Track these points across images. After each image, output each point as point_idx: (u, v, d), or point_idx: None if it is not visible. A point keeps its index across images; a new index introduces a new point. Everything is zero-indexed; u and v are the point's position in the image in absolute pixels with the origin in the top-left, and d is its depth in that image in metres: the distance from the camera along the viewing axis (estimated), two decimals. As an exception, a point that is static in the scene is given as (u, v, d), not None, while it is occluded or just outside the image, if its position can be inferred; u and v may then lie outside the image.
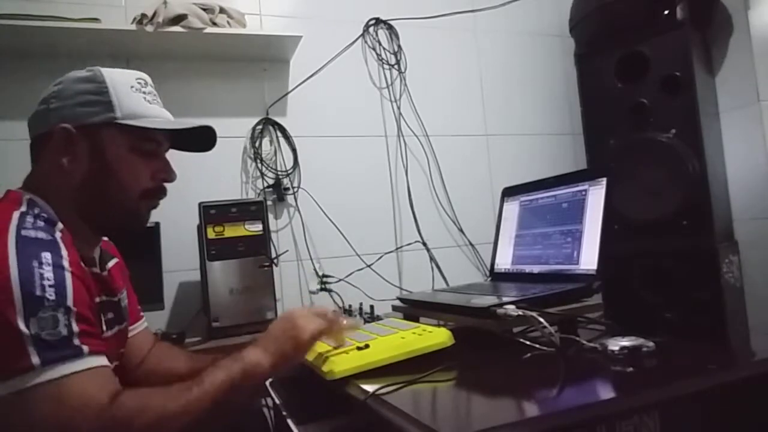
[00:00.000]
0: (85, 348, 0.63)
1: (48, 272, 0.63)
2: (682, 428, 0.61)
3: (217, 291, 1.43)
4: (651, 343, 0.73)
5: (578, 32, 1.77)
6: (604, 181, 1.03)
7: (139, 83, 0.82)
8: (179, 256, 1.58)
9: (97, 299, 0.79)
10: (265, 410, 1.15)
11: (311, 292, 1.74)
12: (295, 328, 0.78)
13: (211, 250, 1.44)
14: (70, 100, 0.78)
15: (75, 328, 0.63)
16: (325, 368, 0.78)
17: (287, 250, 1.74)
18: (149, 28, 1.49)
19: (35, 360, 0.59)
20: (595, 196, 1.04)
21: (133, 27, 1.49)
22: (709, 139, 1.52)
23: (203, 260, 1.44)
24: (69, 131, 0.76)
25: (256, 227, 1.49)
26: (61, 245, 0.68)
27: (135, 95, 0.80)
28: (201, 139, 0.90)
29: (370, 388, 0.69)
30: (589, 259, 1.00)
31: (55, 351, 0.60)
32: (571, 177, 1.12)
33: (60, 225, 0.72)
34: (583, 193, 1.07)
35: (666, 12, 1.54)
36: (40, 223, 0.69)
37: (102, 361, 0.65)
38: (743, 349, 0.92)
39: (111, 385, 0.64)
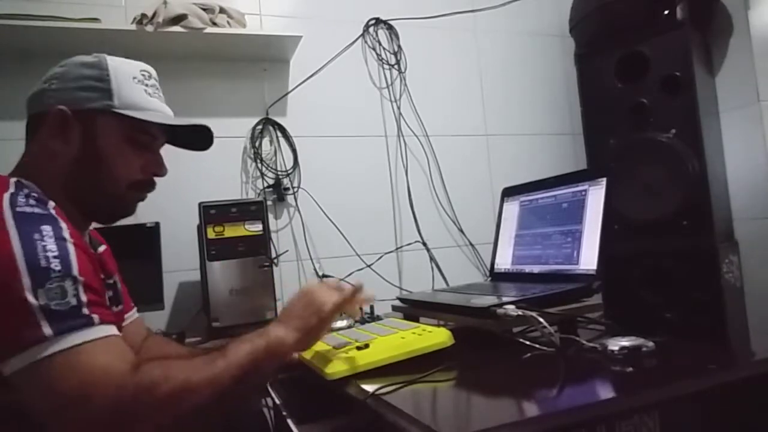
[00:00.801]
0: (96, 317, 0.62)
1: (51, 244, 0.63)
2: (682, 428, 0.61)
3: (217, 291, 1.43)
4: (651, 343, 0.73)
5: (578, 32, 1.77)
6: (604, 181, 1.03)
7: (143, 75, 0.82)
8: (179, 256, 1.58)
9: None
10: (265, 410, 1.15)
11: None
12: (315, 302, 0.78)
13: (211, 250, 1.44)
14: (71, 83, 0.78)
15: (83, 297, 0.62)
16: (325, 368, 0.78)
17: (287, 250, 1.74)
18: (149, 28, 1.49)
19: (47, 330, 0.58)
20: (595, 196, 1.04)
21: (133, 27, 1.49)
22: (709, 139, 1.52)
23: (203, 260, 1.44)
24: (64, 113, 0.76)
25: (256, 227, 1.49)
26: (59, 218, 0.68)
27: (136, 86, 0.80)
28: (199, 139, 0.90)
29: (370, 388, 0.69)
30: (589, 259, 1.00)
31: (66, 321, 0.60)
32: (571, 177, 1.12)
33: (52, 202, 0.72)
34: (583, 193, 1.07)
35: (666, 12, 1.54)
36: (32, 201, 0.69)
37: (113, 330, 0.64)
38: (743, 349, 0.92)
39: (129, 354, 0.64)
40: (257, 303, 1.46)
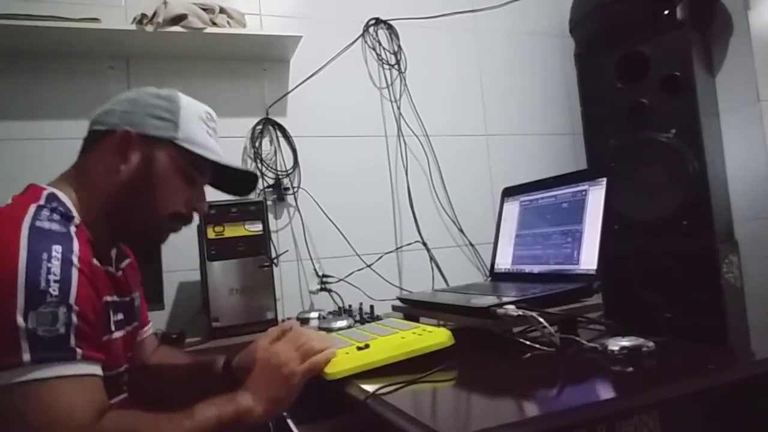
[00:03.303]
0: (79, 352, 0.62)
1: (56, 267, 0.63)
2: (682, 428, 0.61)
3: (217, 291, 1.43)
4: (651, 343, 0.73)
5: (578, 32, 1.77)
6: (604, 181, 1.03)
7: (207, 116, 0.86)
8: (179, 256, 1.58)
9: (108, 298, 0.79)
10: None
11: (311, 292, 1.74)
12: (281, 373, 0.75)
13: (211, 250, 1.44)
14: (141, 109, 0.81)
15: (73, 328, 0.62)
16: (325, 368, 0.78)
17: (287, 250, 1.74)
18: (149, 28, 1.49)
19: (26, 357, 0.58)
20: (595, 196, 1.04)
21: (133, 27, 1.49)
22: (709, 139, 1.52)
23: (203, 260, 1.44)
24: (130, 135, 0.78)
25: (256, 227, 1.49)
26: (75, 239, 0.68)
27: (200, 125, 0.84)
28: (242, 183, 0.95)
29: (370, 388, 0.69)
30: (589, 259, 1.00)
31: (48, 350, 0.59)
32: (571, 177, 1.12)
33: (76, 220, 0.72)
34: (583, 193, 1.07)
35: (666, 12, 1.54)
36: (56, 216, 0.69)
37: (94, 369, 0.64)
38: (743, 349, 0.92)
39: (99, 400, 0.63)
40: (257, 303, 1.46)
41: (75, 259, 0.66)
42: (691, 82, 1.49)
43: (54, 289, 0.61)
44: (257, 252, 1.47)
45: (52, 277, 0.62)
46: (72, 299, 0.63)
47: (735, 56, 1.63)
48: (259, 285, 1.47)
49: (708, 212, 1.48)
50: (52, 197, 0.73)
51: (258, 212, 1.50)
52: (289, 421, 0.89)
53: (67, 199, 0.75)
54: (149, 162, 0.80)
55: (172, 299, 1.61)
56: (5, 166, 1.48)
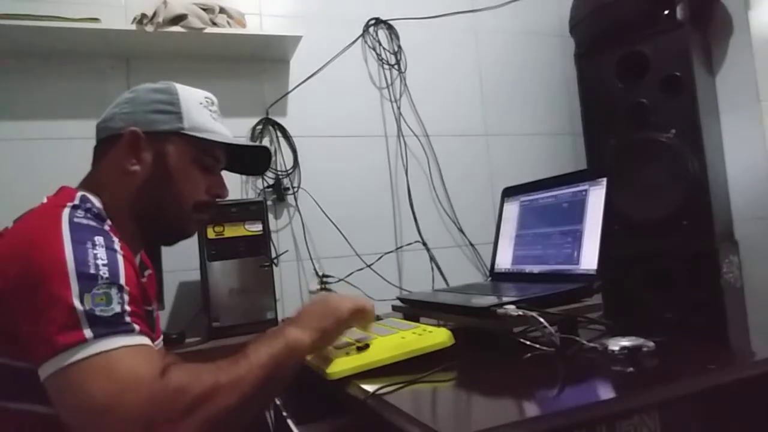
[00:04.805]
0: (136, 327, 0.64)
1: (101, 253, 0.66)
2: (682, 428, 0.61)
3: (217, 291, 1.43)
4: (651, 343, 0.73)
5: (578, 32, 1.78)
6: (604, 181, 1.03)
7: (207, 100, 0.87)
8: (179, 256, 1.57)
9: None
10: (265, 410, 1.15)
11: (311, 292, 1.74)
12: (331, 305, 0.80)
13: (211, 250, 1.44)
14: (142, 107, 0.82)
15: (127, 306, 0.64)
16: (325, 368, 0.78)
17: (287, 250, 1.74)
18: (149, 28, 1.49)
19: (88, 333, 0.60)
20: (595, 196, 1.04)
21: (133, 27, 1.49)
22: (709, 139, 1.52)
23: (203, 260, 1.44)
24: (138, 135, 0.80)
25: (256, 227, 1.49)
26: (111, 234, 0.71)
27: (203, 111, 0.85)
28: (256, 163, 0.96)
29: (370, 388, 0.69)
30: (589, 259, 1.00)
31: (108, 326, 0.61)
32: (571, 177, 1.12)
33: (108, 222, 0.75)
34: (583, 193, 1.07)
35: (666, 12, 1.54)
36: (90, 216, 0.72)
37: (148, 341, 0.66)
38: (743, 349, 0.92)
39: (158, 362, 0.65)
40: (257, 303, 1.46)
41: (117, 247, 0.69)
42: (691, 82, 1.49)
43: (104, 272, 0.64)
44: (257, 252, 1.47)
45: (100, 262, 0.65)
46: (122, 281, 0.66)
47: (735, 56, 1.63)
48: (259, 285, 1.47)
49: (708, 212, 1.48)
50: (85, 199, 0.75)
51: (258, 212, 1.50)
52: (289, 421, 0.89)
53: (98, 201, 0.77)
54: (162, 158, 0.81)
55: (172, 299, 1.61)
56: (5, 165, 1.48)
